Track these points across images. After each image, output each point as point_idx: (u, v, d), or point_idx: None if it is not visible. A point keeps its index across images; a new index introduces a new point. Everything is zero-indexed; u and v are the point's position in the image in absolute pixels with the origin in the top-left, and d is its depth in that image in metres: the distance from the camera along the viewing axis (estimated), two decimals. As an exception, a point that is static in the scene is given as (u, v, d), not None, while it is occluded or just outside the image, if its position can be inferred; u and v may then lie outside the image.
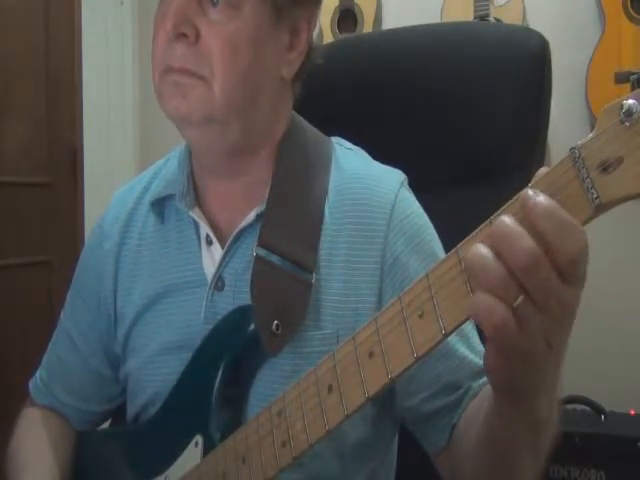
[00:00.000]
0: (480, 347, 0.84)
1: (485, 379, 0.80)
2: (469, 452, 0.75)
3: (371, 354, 0.61)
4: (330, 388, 0.65)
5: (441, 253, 0.86)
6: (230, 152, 0.87)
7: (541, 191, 0.51)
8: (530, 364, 0.55)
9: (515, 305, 0.51)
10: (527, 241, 0.50)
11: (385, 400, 0.87)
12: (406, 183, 0.91)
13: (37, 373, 1.05)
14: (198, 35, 0.80)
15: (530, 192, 0.51)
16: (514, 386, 0.58)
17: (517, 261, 0.50)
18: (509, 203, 0.53)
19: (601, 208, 0.50)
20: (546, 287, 0.51)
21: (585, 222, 0.51)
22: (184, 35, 0.80)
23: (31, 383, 1.05)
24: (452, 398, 0.82)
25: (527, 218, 0.51)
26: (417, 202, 0.90)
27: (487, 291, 0.51)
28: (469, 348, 0.83)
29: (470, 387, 0.81)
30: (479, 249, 0.52)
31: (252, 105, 0.84)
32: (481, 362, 0.82)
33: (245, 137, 0.86)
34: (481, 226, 0.55)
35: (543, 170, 0.53)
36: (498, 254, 0.51)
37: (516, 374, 0.57)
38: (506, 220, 0.51)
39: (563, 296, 0.52)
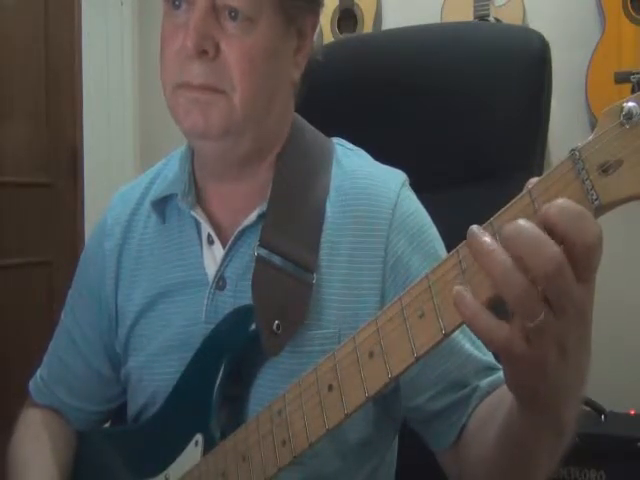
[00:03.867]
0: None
1: (493, 377, 0.81)
2: (482, 454, 0.74)
3: (371, 354, 0.61)
4: (330, 388, 0.65)
5: (442, 252, 0.86)
6: (241, 160, 0.87)
7: (542, 191, 0.51)
8: (545, 372, 0.54)
9: (535, 323, 0.50)
10: (553, 247, 0.49)
11: (388, 400, 0.87)
12: (407, 183, 0.91)
13: (37, 372, 1.05)
14: (218, 50, 0.80)
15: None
16: (535, 395, 0.58)
17: (543, 268, 0.49)
18: (510, 204, 0.53)
19: (601, 209, 0.50)
20: (564, 291, 0.50)
21: None
22: (205, 52, 0.79)
23: (31, 383, 1.05)
24: (458, 396, 0.81)
25: (543, 218, 0.49)
26: (418, 201, 0.90)
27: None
28: (473, 345, 0.83)
29: (478, 386, 0.81)
30: (502, 260, 0.50)
31: (267, 113, 0.85)
32: (486, 358, 0.82)
33: (257, 144, 0.86)
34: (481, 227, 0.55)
35: (533, 180, 0.53)
36: (519, 261, 0.49)
37: (533, 383, 0.56)
38: (527, 225, 0.49)
39: (578, 296, 0.51)
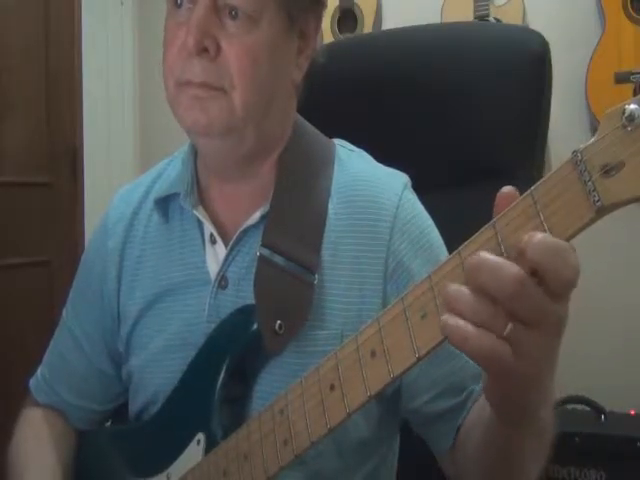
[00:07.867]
0: None
1: None
2: (472, 454, 0.76)
3: (373, 353, 0.61)
4: (332, 387, 0.65)
5: (444, 256, 0.86)
6: (244, 159, 0.88)
7: (544, 193, 0.52)
8: (531, 384, 0.56)
9: (505, 334, 0.51)
10: (511, 268, 0.50)
11: (389, 401, 0.87)
12: (409, 185, 0.91)
13: (38, 371, 1.05)
14: (218, 49, 0.80)
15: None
16: (517, 406, 0.59)
17: (503, 291, 0.50)
18: (512, 205, 0.54)
19: (603, 211, 0.50)
20: (539, 309, 0.51)
21: (587, 225, 0.51)
22: (205, 50, 0.80)
23: (32, 381, 1.05)
24: (457, 400, 0.82)
25: (525, 256, 0.50)
26: (420, 204, 0.91)
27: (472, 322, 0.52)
28: None
29: (473, 390, 0.82)
30: (459, 289, 0.52)
31: (268, 112, 0.85)
32: None
33: (259, 143, 0.86)
34: (483, 228, 0.55)
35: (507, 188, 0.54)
36: (479, 288, 0.51)
37: (517, 395, 0.57)
38: (487, 256, 0.51)
39: (556, 314, 0.52)
